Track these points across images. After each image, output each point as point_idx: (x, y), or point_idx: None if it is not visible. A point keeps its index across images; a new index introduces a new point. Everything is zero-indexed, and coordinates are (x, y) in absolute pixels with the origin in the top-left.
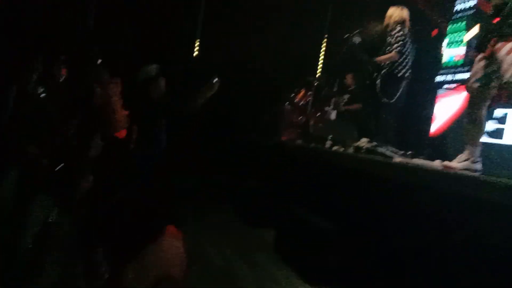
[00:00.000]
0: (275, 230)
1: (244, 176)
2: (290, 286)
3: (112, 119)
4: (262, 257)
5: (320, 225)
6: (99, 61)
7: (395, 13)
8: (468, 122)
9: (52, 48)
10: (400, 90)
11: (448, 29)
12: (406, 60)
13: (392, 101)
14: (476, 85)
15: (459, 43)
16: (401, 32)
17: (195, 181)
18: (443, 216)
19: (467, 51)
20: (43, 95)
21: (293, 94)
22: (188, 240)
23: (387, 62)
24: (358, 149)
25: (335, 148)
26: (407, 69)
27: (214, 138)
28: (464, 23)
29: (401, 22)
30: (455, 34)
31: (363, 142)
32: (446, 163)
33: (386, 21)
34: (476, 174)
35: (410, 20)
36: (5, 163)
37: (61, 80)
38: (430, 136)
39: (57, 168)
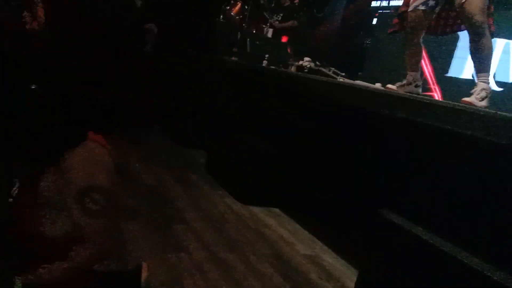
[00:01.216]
0: (207, 152)
1: (176, 94)
2: (225, 207)
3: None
4: (195, 178)
5: (255, 147)
6: None
7: None
8: (408, 47)
9: None
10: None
11: None
12: None
13: (321, 14)
14: (420, 9)
15: None
16: None
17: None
18: (388, 140)
19: None
20: None
21: (228, 8)
22: (114, 154)
23: None
24: (300, 68)
25: (273, 67)
26: None
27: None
28: None
29: None
30: None
31: (306, 61)
32: (389, 86)
33: None
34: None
35: None
36: None
37: None
38: (365, 60)
39: None
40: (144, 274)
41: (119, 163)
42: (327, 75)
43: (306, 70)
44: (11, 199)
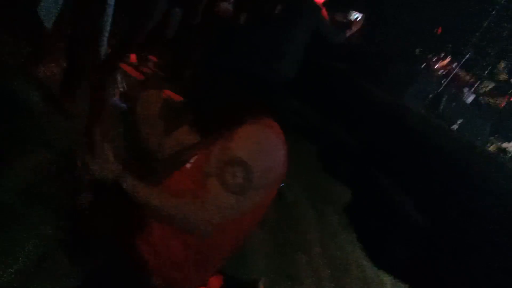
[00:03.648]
0: (354, 192)
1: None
2: (353, 259)
3: None
4: (331, 212)
5: (410, 214)
6: None
7: None
8: None
9: None
10: None
11: None
12: None
13: None
14: None
15: None
16: None
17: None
18: None
19: None
20: None
21: (435, 58)
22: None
23: None
24: (502, 151)
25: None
26: None
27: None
28: None
29: None
30: None
31: None
32: None
33: None
34: None
35: None
36: None
37: None
38: None
39: None
40: None
41: None
42: None
43: (510, 155)
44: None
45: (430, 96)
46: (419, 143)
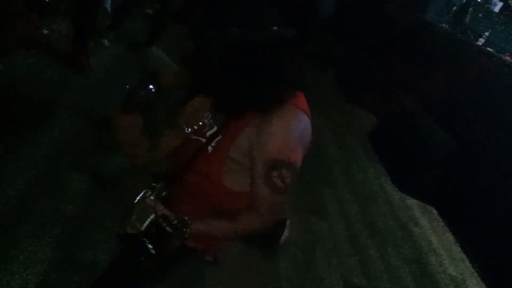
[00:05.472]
0: (379, 120)
1: (375, 52)
2: (378, 187)
3: None
4: (355, 143)
5: (435, 136)
6: None
7: None
8: None
9: None
10: None
11: None
12: None
13: None
14: None
15: None
16: None
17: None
18: None
19: None
20: None
21: None
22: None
23: None
24: None
25: (489, 49)
26: None
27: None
28: None
29: None
30: None
31: None
32: None
33: None
34: None
35: None
36: None
37: None
38: None
39: None
40: (286, 232)
41: None
42: None
43: None
44: (210, 147)
45: (454, 8)
46: (443, 62)
